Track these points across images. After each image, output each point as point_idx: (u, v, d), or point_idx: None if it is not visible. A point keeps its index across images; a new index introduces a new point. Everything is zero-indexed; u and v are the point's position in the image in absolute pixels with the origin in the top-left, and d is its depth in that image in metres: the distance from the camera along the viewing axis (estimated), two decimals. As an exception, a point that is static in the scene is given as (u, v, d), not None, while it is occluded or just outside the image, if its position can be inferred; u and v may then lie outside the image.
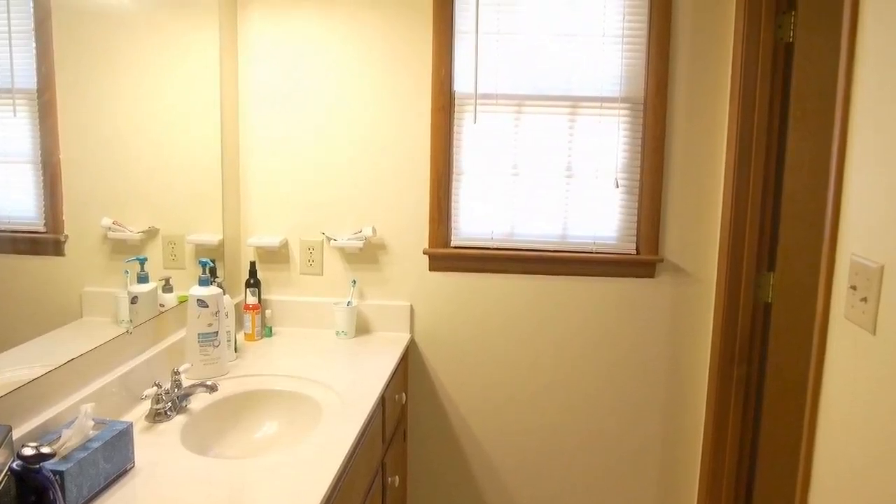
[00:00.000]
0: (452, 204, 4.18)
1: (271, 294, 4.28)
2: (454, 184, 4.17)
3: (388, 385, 3.53)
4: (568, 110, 4.08)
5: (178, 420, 2.95)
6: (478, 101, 4.08)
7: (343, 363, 3.69)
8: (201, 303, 3.37)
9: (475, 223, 4.20)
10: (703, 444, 4.31)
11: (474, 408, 4.35)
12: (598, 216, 4.17)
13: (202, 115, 3.67)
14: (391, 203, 4.16)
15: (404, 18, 4.03)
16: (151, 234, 3.23)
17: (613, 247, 4.19)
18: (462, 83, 4.09)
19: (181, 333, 3.52)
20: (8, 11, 2.38)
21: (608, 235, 4.19)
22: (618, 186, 4.13)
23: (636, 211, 4.17)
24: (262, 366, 3.60)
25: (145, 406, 3.05)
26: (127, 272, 3.06)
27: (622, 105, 4.07)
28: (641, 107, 4.08)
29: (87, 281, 2.77)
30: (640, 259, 4.17)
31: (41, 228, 2.56)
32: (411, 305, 4.26)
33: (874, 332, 2.51)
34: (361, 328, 4.25)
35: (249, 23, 4.07)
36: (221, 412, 3.17)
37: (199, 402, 3.12)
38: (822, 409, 2.88)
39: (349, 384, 3.38)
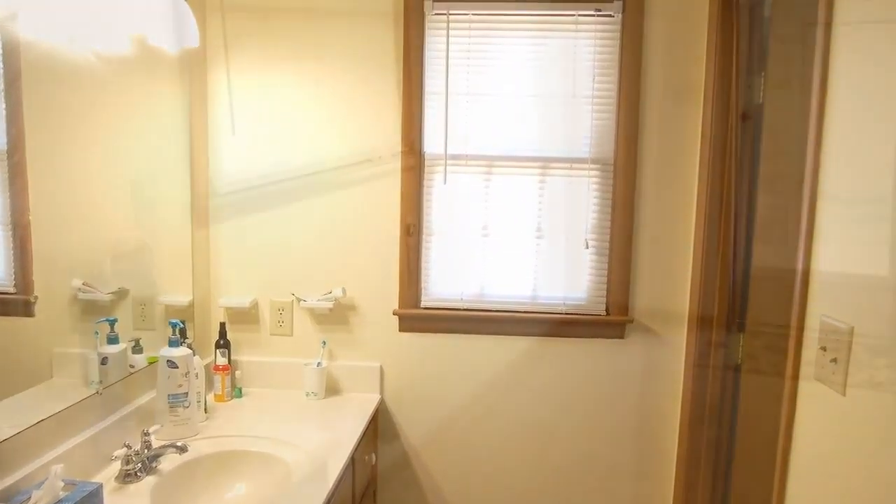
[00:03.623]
0: (422, 264, 4.19)
1: (241, 355, 4.27)
2: (424, 244, 4.17)
3: (357, 446, 3.52)
4: (538, 171, 4.11)
5: (149, 481, 2.92)
6: (448, 162, 4.10)
7: (313, 424, 3.68)
8: (171, 363, 3.35)
9: (445, 284, 4.20)
10: (673, 506, 4.31)
11: (444, 468, 4.34)
12: (568, 277, 4.18)
13: (172, 174, 3.67)
14: (361, 264, 4.17)
15: (375, 79, 4.06)
16: (122, 294, 3.22)
17: (583, 308, 4.21)
18: (432, 143, 4.11)
19: (151, 394, 3.50)
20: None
21: (578, 296, 4.21)
22: (588, 247, 4.15)
23: (606, 272, 4.19)
24: (231, 427, 3.58)
25: (115, 467, 3.03)
26: (97, 333, 3.04)
27: (592, 166, 4.09)
28: (611, 168, 4.10)
29: (57, 342, 2.76)
30: (610, 320, 4.19)
31: (10, 289, 2.55)
32: (381, 366, 4.25)
33: (844, 394, 2.52)
34: (331, 389, 4.24)
35: (219, 84, 4.08)
36: (191, 473, 3.14)
37: (169, 463, 3.10)
38: (792, 470, 2.89)
39: (319, 445, 3.37)
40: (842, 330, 2.45)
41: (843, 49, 2.47)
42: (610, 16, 4.04)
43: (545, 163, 4.10)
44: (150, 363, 3.52)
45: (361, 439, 3.64)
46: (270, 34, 4.06)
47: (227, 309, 4.23)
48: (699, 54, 4.01)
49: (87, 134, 2.86)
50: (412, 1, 4.05)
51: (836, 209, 2.48)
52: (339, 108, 4.09)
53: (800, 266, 2.75)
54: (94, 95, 2.92)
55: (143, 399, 3.44)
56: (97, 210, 2.95)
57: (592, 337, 4.21)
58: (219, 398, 4.01)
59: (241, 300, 4.17)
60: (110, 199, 3.00)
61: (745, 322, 4.19)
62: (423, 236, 4.17)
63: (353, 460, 3.45)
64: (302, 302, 4.17)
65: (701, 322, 4.12)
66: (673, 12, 4.03)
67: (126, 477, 2.91)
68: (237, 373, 4.16)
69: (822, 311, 2.60)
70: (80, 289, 2.89)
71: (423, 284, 4.21)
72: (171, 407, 3.38)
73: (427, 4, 4.05)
